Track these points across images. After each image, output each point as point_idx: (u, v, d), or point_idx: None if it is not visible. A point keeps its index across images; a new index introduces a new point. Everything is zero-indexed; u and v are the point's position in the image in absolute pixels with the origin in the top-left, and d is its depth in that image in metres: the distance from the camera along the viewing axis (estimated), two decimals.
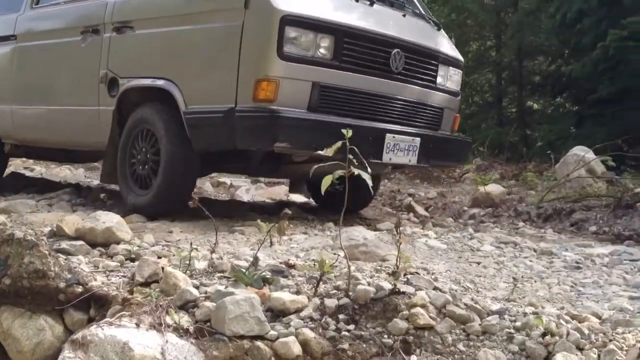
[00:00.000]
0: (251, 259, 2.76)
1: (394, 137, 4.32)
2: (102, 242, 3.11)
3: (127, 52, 4.63)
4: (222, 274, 2.72)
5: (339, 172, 2.56)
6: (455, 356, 2.22)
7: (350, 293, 2.47)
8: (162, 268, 2.63)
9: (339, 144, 2.67)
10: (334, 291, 2.53)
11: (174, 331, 2.23)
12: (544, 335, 2.19)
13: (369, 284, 2.51)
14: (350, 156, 2.62)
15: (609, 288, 2.94)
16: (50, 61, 5.17)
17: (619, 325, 2.26)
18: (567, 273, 3.23)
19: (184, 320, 2.29)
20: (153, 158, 4.29)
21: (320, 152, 2.77)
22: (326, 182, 2.59)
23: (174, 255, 2.90)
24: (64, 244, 3.03)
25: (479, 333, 2.29)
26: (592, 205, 5.42)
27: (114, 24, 4.68)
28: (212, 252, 2.96)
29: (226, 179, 7.07)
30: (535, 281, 3.04)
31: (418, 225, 4.84)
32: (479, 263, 3.40)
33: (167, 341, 2.16)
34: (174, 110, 4.19)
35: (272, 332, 2.27)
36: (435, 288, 2.54)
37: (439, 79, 4.74)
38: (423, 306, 2.36)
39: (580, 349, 2.14)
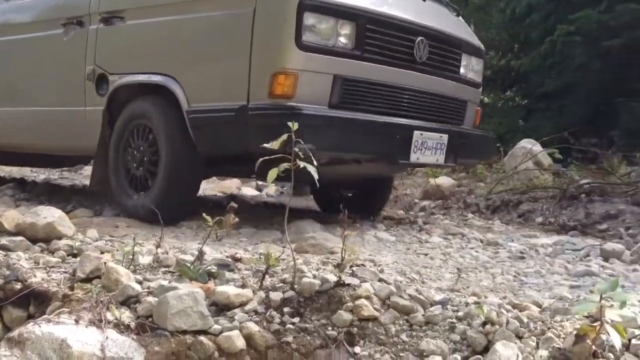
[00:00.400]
0: (197, 253, 2.74)
1: (421, 134, 3.93)
2: (43, 238, 3.03)
3: (118, 46, 4.22)
4: (166, 269, 2.68)
5: (284, 165, 2.55)
6: (398, 346, 2.23)
7: (296, 286, 2.46)
8: (105, 263, 2.58)
9: (284, 136, 2.64)
10: (280, 284, 2.53)
11: (115, 327, 2.19)
12: (484, 324, 2.22)
13: (314, 277, 2.50)
14: (297, 149, 2.60)
15: (550, 277, 3.00)
16: (28, 58, 4.74)
17: (558, 314, 2.30)
18: (511, 263, 3.29)
19: (125, 316, 2.25)
20: (150, 157, 3.90)
21: (266, 145, 2.74)
22: (272, 175, 2.57)
23: (117, 251, 2.85)
24: (3, 240, 2.95)
25: (422, 323, 2.31)
26: (538, 197, 5.53)
27: (101, 14, 4.26)
28: (158, 246, 2.92)
29: None
30: (480, 271, 3.09)
31: (368, 218, 4.87)
32: (426, 254, 3.44)
33: (107, 337, 2.12)
34: (175, 107, 3.79)
35: (216, 327, 2.25)
36: (380, 280, 2.55)
37: (462, 70, 4.39)
38: (367, 298, 2.37)
39: (520, 337, 2.17)
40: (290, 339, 2.26)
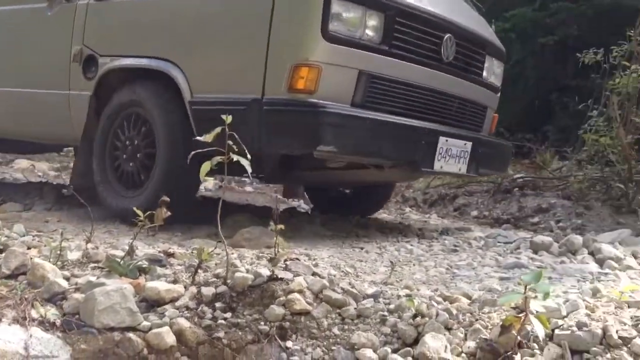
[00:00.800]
0: (128, 248, 2.68)
1: (446, 140, 3.63)
2: None
3: (110, 24, 3.79)
4: (96, 265, 2.62)
5: (217, 158, 2.52)
6: (330, 340, 2.24)
7: (229, 281, 2.44)
8: (31, 259, 2.50)
9: (218, 129, 2.60)
10: (213, 279, 2.50)
11: (40, 325, 2.12)
12: (415, 316, 2.24)
13: (247, 271, 2.49)
14: (230, 142, 2.57)
15: (481, 270, 3.06)
16: (7, 33, 4.32)
17: (486, 305, 2.35)
18: (444, 256, 3.34)
19: (51, 313, 2.18)
20: (146, 151, 3.54)
21: (199, 138, 2.68)
22: (204, 169, 2.54)
23: (45, 246, 2.76)
24: None
25: (354, 317, 2.32)
26: (474, 191, 5.65)
27: None
28: (88, 241, 2.85)
29: None
30: (413, 264, 3.13)
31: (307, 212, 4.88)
32: (362, 248, 3.46)
33: (31, 335, 2.05)
34: (175, 96, 3.44)
35: (145, 323, 2.21)
36: (314, 273, 2.55)
37: (484, 72, 4.09)
38: (300, 292, 2.37)
39: (449, 329, 2.21)
40: (221, 334, 2.24)
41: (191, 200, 3.57)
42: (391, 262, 3.04)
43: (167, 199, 2.72)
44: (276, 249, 2.52)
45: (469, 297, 2.50)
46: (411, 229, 4.19)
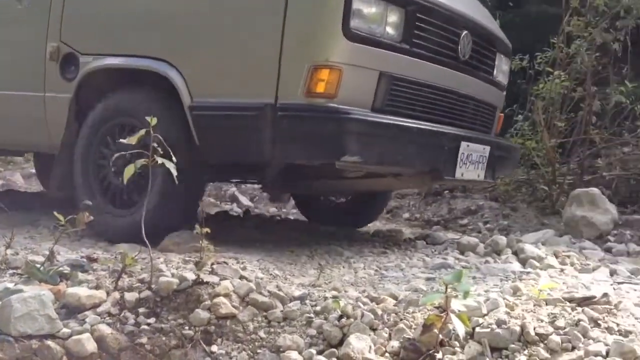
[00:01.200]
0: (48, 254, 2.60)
1: (468, 145, 3.40)
2: None
3: (93, 19, 3.42)
4: (14, 271, 2.54)
5: (141, 161, 2.47)
6: (256, 343, 2.23)
7: (153, 285, 2.40)
8: None
9: (142, 131, 2.55)
10: (138, 284, 2.46)
11: None
12: (340, 318, 2.26)
13: (173, 275, 2.45)
14: (155, 144, 2.53)
15: (409, 270, 3.10)
16: None
17: (411, 305, 2.38)
18: (374, 258, 3.37)
19: None
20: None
21: (123, 140, 2.63)
22: (128, 172, 2.49)
23: None
24: None
25: (280, 319, 2.32)
26: (406, 194, 5.73)
27: None
28: (7, 247, 2.76)
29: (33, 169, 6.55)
30: (343, 267, 3.15)
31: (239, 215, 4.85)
32: (292, 251, 3.46)
33: None
34: (173, 100, 3.11)
35: (65, 330, 2.16)
36: (241, 277, 2.54)
37: (495, 71, 3.88)
38: (226, 295, 2.35)
39: (374, 329, 2.23)
40: (144, 340, 2.20)
41: (192, 214, 3.27)
42: (320, 264, 3.06)
43: (89, 202, 2.66)
44: (202, 253, 2.49)
45: (395, 298, 2.53)
46: (343, 232, 4.21)
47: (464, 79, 3.52)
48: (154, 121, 2.53)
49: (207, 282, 2.40)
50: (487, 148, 3.60)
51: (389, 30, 3.06)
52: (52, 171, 3.68)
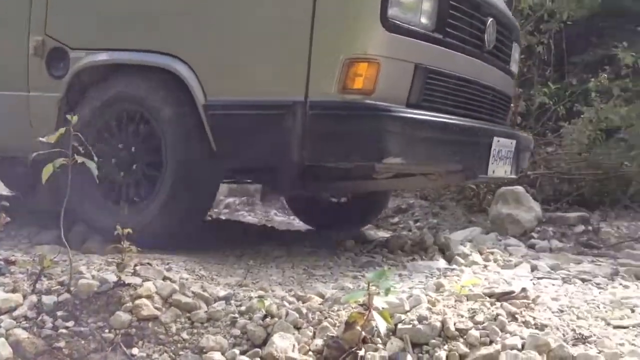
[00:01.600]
0: None
1: (498, 141, 3.21)
2: None
3: (86, 8, 3.13)
4: None
5: (60, 160, 2.40)
6: (178, 345, 2.20)
7: (72, 288, 2.34)
8: None
9: (62, 130, 2.47)
10: (57, 287, 2.39)
11: None
12: (265, 317, 2.25)
13: (93, 277, 2.40)
14: (75, 143, 2.45)
15: (337, 269, 3.12)
16: None
17: (336, 303, 2.40)
18: (303, 257, 3.37)
19: None
20: (147, 158, 2.99)
21: (42, 139, 2.52)
22: (46, 171, 2.41)
23: None
24: None
25: (204, 320, 2.29)
26: None
27: None
28: None
29: None
30: (271, 266, 3.14)
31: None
32: (222, 251, 3.43)
33: None
34: (183, 99, 2.89)
35: None
36: (165, 278, 2.50)
37: (511, 60, 3.70)
38: (148, 297, 2.31)
39: (298, 328, 2.23)
40: (62, 344, 2.14)
41: (202, 220, 3.18)
42: (248, 264, 3.04)
43: (6, 203, 2.57)
44: (123, 254, 2.44)
45: (322, 297, 2.54)
46: (274, 231, 4.21)
47: (487, 69, 3.36)
48: (74, 119, 2.44)
49: (128, 284, 2.36)
50: (514, 142, 3.45)
51: (423, 19, 2.86)
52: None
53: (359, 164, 2.90)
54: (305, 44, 2.66)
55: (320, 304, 2.42)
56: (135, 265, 2.55)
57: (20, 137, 3.24)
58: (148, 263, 2.65)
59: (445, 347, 2.09)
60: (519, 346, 2.02)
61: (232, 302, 2.40)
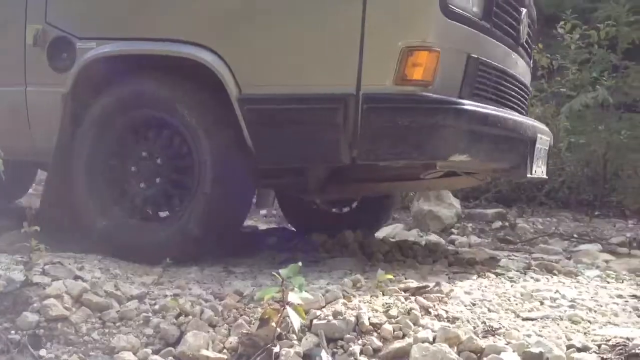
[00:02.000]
0: None
1: (541, 138, 3.05)
2: None
3: None
4: None
5: None
6: (89, 345, 2.14)
7: None
8: None
9: None
10: None
11: None
12: (179, 315, 2.22)
13: None
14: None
15: (257, 266, 3.11)
16: None
17: (253, 301, 2.38)
18: (223, 254, 3.34)
19: None
20: (175, 164, 2.75)
21: None
22: None
23: None
24: None
25: (116, 319, 2.24)
26: None
27: None
28: None
29: None
30: (191, 264, 3.09)
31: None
32: None
33: None
34: (212, 92, 2.67)
35: None
36: (76, 277, 2.44)
37: (532, 51, 3.60)
38: (58, 297, 2.24)
39: (213, 326, 2.21)
40: None
41: (239, 229, 2.95)
42: (166, 262, 2.98)
43: None
44: (31, 253, 2.36)
45: (240, 294, 2.52)
46: None
47: (520, 61, 3.23)
48: None
49: (36, 284, 2.28)
50: (549, 140, 3.30)
51: (475, 7, 2.71)
52: (43, 189, 3.03)
53: (417, 162, 2.68)
54: (357, 31, 2.46)
55: (237, 302, 2.41)
56: (45, 264, 2.46)
57: (15, 137, 3.00)
58: (59, 262, 2.58)
59: (360, 341, 2.11)
60: (430, 339, 2.06)
61: (146, 300, 2.36)
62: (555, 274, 3.24)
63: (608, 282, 3.12)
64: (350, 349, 2.08)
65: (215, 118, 2.69)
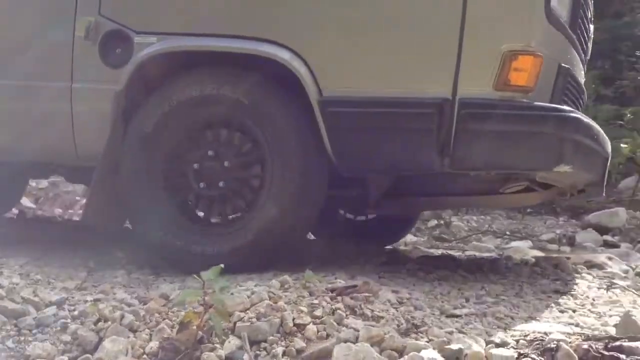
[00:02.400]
0: None
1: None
2: None
3: None
4: None
5: None
6: (3, 354, 2.06)
7: None
8: None
9: None
10: None
11: None
12: (97, 321, 2.16)
13: None
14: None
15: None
16: None
17: (178, 305, 2.34)
18: (150, 257, 3.27)
19: None
20: (246, 172, 2.62)
21: None
22: None
23: None
24: None
25: (33, 327, 2.17)
26: None
27: None
28: None
29: None
30: (116, 268, 3.03)
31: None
32: (62, 256, 3.26)
33: None
34: (295, 89, 2.52)
35: None
36: None
37: None
38: None
39: (134, 331, 2.16)
40: None
41: (306, 237, 2.81)
42: (91, 266, 2.92)
43: None
44: None
45: (166, 298, 2.47)
46: (121, 233, 4.06)
47: (583, 72, 3.13)
48: None
49: None
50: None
51: (564, 13, 2.62)
52: (88, 193, 2.84)
53: (513, 172, 2.59)
54: (455, 32, 2.36)
55: (162, 306, 2.36)
56: None
57: (57, 138, 2.80)
58: None
59: (283, 343, 2.09)
60: (353, 339, 2.06)
61: (66, 306, 2.30)
62: (483, 271, 3.29)
63: (534, 279, 3.19)
64: (274, 350, 2.06)
65: (290, 125, 2.56)
